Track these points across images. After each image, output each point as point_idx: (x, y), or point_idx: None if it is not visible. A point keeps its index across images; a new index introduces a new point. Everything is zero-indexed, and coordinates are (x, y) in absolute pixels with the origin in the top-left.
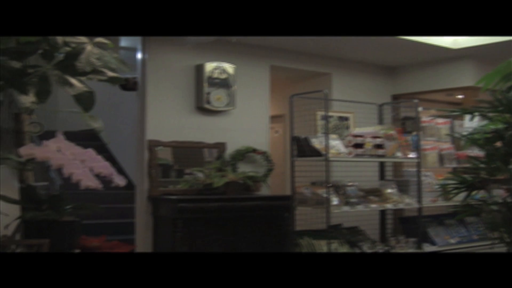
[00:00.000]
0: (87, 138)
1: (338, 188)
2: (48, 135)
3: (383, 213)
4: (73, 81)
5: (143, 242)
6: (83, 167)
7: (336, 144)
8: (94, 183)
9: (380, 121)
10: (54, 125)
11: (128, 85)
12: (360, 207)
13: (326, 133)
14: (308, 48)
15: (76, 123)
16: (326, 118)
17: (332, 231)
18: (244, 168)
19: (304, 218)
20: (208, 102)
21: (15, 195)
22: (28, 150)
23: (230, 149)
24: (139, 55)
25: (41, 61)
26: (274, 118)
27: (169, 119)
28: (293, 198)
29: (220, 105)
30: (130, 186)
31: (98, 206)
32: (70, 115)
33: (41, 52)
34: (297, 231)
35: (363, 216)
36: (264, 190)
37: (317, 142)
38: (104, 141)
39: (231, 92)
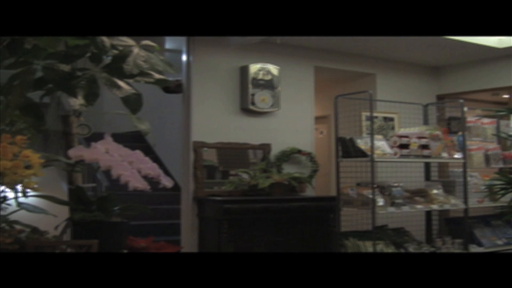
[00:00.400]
0: (132, 140)
1: (383, 189)
2: (94, 137)
3: (428, 214)
4: (121, 83)
5: (189, 243)
6: (131, 168)
7: (381, 145)
8: (142, 184)
9: (425, 122)
10: (100, 127)
11: (171, 88)
12: (405, 208)
13: (371, 133)
14: (352, 49)
15: (120, 125)
16: (371, 118)
17: (378, 232)
18: (289, 169)
19: (350, 219)
20: (253, 104)
21: (63, 197)
22: (77, 152)
23: (275, 150)
24: (184, 57)
25: (89, 64)
26: (318, 119)
27: (214, 120)
28: (338, 199)
29: (264, 106)
30: (175, 187)
31: (146, 207)
32: (115, 117)
33: (89, 55)
34: (343, 232)
35: (409, 217)
36: (309, 191)
37: (362, 143)
38: (149, 143)
39: (276, 93)
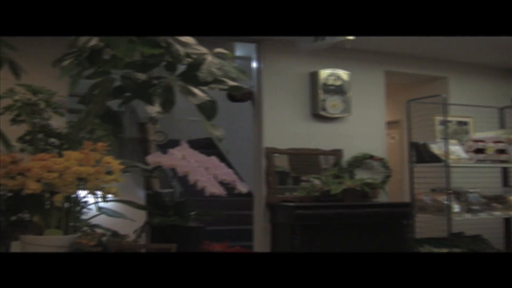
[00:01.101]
0: (203, 147)
1: (459, 195)
2: (167, 144)
3: (507, 221)
4: (196, 90)
5: (261, 249)
6: (207, 174)
7: (456, 150)
8: (219, 190)
9: (502, 125)
10: (172, 134)
11: (237, 97)
12: (483, 215)
13: (445, 138)
14: (424, 52)
15: (192, 132)
16: (444, 123)
17: (454, 240)
18: (361, 175)
19: (424, 225)
20: (324, 109)
21: (138, 202)
22: (155, 158)
23: (346, 156)
24: (254, 64)
25: (164, 73)
26: (390, 124)
27: (285, 126)
28: (413, 205)
29: (335, 112)
30: (247, 193)
31: (221, 213)
32: (186, 124)
33: (164, 64)
34: (417, 239)
35: (486, 224)
36: (382, 197)
37: (436, 148)
38: (221, 149)
39: (346, 99)
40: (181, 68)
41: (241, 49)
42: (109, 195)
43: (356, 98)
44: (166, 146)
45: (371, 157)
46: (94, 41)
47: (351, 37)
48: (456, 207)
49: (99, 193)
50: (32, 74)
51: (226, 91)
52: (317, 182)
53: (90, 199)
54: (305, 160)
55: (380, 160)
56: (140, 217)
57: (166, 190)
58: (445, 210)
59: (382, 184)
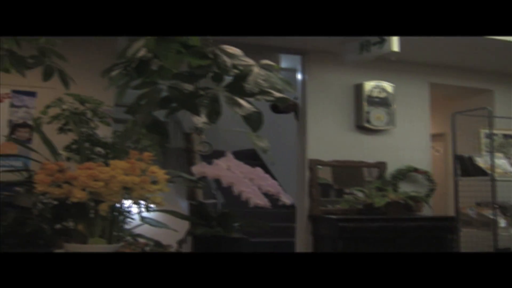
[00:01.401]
0: (246, 158)
1: (505, 209)
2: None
3: None
4: (242, 102)
5: None
6: (252, 185)
7: (502, 163)
8: (263, 201)
9: None
10: (216, 145)
11: (280, 108)
12: None
13: (491, 151)
14: (468, 64)
15: (235, 143)
16: (490, 136)
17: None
18: (405, 188)
19: (469, 240)
20: (368, 121)
21: (181, 212)
22: (200, 169)
23: (390, 169)
24: (299, 76)
25: (210, 84)
26: (434, 137)
27: (329, 138)
28: (457, 219)
29: (380, 124)
30: (289, 205)
31: (265, 224)
32: (229, 135)
33: (211, 75)
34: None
35: None
36: (426, 211)
37: (481, 161)
38: (264, 161)
39: (391, 111)
40: (227, 79)
41: (286, 61)
42: (154, 205)
43: (400, 110)
44: (210, 157)
45: (415, 170)
46: (142, 51)
47: (396, 49)
48: (502, 222)
49: (143, 202)
50: (79, 84)
51: (270, 103)
52: (360, 194)
53: (134, 208)
54: (348, 172)
55: (424, 173)
56: (182, 227)
57: (209, 201)
58: (491, 225)
59: (426, 197)
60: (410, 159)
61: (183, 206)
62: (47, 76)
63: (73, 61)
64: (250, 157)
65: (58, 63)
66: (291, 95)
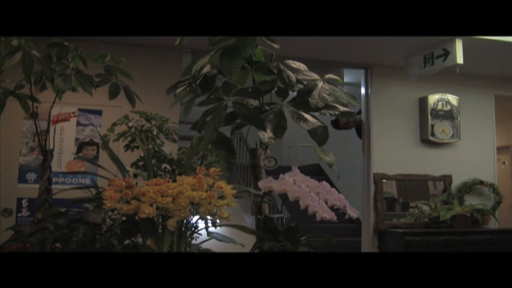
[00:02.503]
0: (312, 173)
1: None
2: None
3: None
4: (307, 116)
5: None
6: (318, 199)
7: None
8: (330, 215)
9: None
10: (281, 160)
11: (341, 124)
12: None
13: None
14: None
15: (300, 158)
16: None
17: None
18: (471, 201)
19: None
20: (433, 135)
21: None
22: (267, 183)
23: (456, 182)
24: (362, 90)
25: (275, 99)
26: (499, 149)
27: (394, 152)
28: None
29: (444, 137)
30: (355, 219)
31: (331, 238)
32: (292, 150)
33: (275, 90)
34: None
35: None
36: (492, 224)
37: None
38: (328, 175)
39: (456, 124)
40: (292, 94)
41: (349, 75)
42: (221, 220)
43: (465, 123)
44: (275, 172)
45: (481, 182)
46: (207, 68)
47: (460, 61)
48: None
49: (210, 217)
50: (145, 101)
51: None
52: (426, 208)
53: (201, 223)
54: (413, 185)
55: (490, 185)
56: (249, 242)
57: (275, 215)
58: None
59: (493, 210)
60: (476, 171)
61: (248, 221)
62: (113, 94)
63: (138, 79)
64: (315, 172)
65: (123, 81)
66: (356, 109)
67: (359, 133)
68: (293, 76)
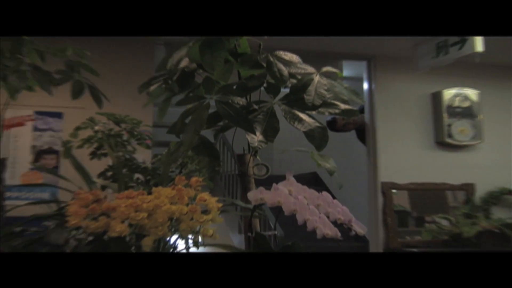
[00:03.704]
0: (309, 182)
1: None
2: (268, 179)
3: None
4: (302, 116)
5: None
6: (319, 212)
7: None
8: (333, 231)
9: None
10: (271, 168)
11: (338, 126)
12: None
13: None
14: None
15: (294, 165)
16: None
17: None
18: (500, 214)
19: None
20: (450, 136)
21: (230, 243)
22: (257, 195)
23: (479, 191)
24: (365, 85)
25: (264, 96)
26: None
27: (404, 157)
28: None
29: (464, 138)
30: (361, 237)
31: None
32: (286, 156)
33: (265, 86)
34: None
35: None
36: None
37: None
38: (328, 185)
39: (477, 123)
40: (283, 91)
41: (349, 69)
42: (206, 238)
43: (488, 122)
44: (266, 182)
45: (510, 192)
46: (184, 62)
47: (480, 49)
48: None
49: (191, 236)
50: (114, 102)
51: (326, 119)
52: (445, 223)
53: (181, 243)
54: (429, 196)
55: None
56: None
57: (267, 233)
58: None
59: None
60: (504, 179)
61: (235, 240)
62: (76, 93)
63: (106, 76)
64: (312, 182)
65: (88, 78)
66: (358, 107)
67: (360, 135)
68: (285, 70)
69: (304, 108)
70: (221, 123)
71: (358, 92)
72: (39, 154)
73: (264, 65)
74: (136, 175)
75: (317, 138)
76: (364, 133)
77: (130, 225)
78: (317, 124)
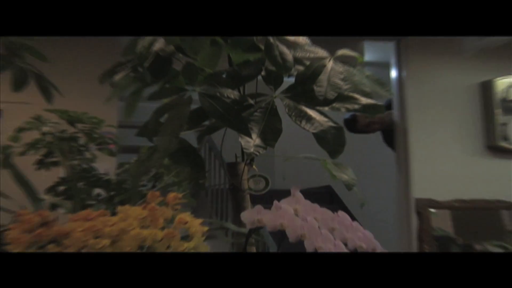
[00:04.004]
0: (319, 199)
1: None
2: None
3: None
4: (311, 113)
5: None
6: (333, 239)
7: None
8: None
9: None
10: (274, 181)
11: (359, 126)
12: None
13: None
14: None
15: (300, 177)
16: None
17: None
18: None
19: None
20: (505, 139)
21: None
22: (253, 216)
23: None
24: (393, 73)
25: (263, 88)
26: None
27: (444, 166)
28: None
29: None
30: None
31: None
32: (291, 165)
33: (263, 74)
34: None
35: None
36: None
37: None
38: (345, 203)
39: None
40: (286, 80)
41: (372, 51)
42: None
43: None
44: (265, 198)
45: None
46: (159, 44)
47: None
48: None
49: None
50: (68, 96)
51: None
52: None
53: None
54: (478, 217)
55: None
56: None
57: None
58: None
59: None
60: None
61: None
62: (18, 84)
63: (58, 63)
64: (326, 198)
65: (36, 66)
66: (384, 101)
67: (388, 138)
68: (289, 54)
69: (314, 103)
70: (206, 123)
71: (384, 81)
72: None
73: (262, 47)
74: (96, 190)
75: (331, 142)
76: (392, 135)
77: None
78: (331, 124)
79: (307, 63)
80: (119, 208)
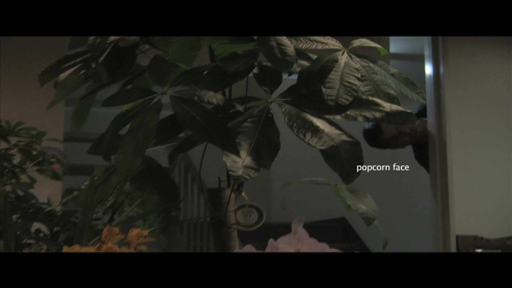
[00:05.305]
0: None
1: None
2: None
3: None
4: (319, 123)
5: None
6: None
7: None
8: None
9: None
10: (270, 212)
11: (384, 139)
12: None
13: None
14: None
15: (304, 208)
16: None
17: None
18: None
19: None
20: None
21: None
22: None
23: None
24: (428, 68)
25: (255, 90)
26: None
27: (495, 190)
28: None
29: None
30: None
31: None
32: (292, 191)
33: (255, 73)
34: None
35: None
36: None
37: None
38: (363, 239)
39: None
40: (286, 79)
41: (399, 41)
42: None
43: None
44: (257, 235)
45: None
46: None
47: None
48: None
49: None
50: (3, 99)
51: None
52: None
53: None
54: None
55: None
56: None
57: None
58: None
59: None
60: None
61: None
62: None
63: None
64: (338, 235)
65: None
66: (416, 107)
67: (421, 155)
68: (290, 45)
69: (323, 110)
70: (181, 136)
71: (415, 81)
72: None
73: (255, 37)
74: (35, 225)
75: (344, 162)
76: (427, 150)
77: None
78: (345, 138)
79: (314, 57)
80: (65, 248)
